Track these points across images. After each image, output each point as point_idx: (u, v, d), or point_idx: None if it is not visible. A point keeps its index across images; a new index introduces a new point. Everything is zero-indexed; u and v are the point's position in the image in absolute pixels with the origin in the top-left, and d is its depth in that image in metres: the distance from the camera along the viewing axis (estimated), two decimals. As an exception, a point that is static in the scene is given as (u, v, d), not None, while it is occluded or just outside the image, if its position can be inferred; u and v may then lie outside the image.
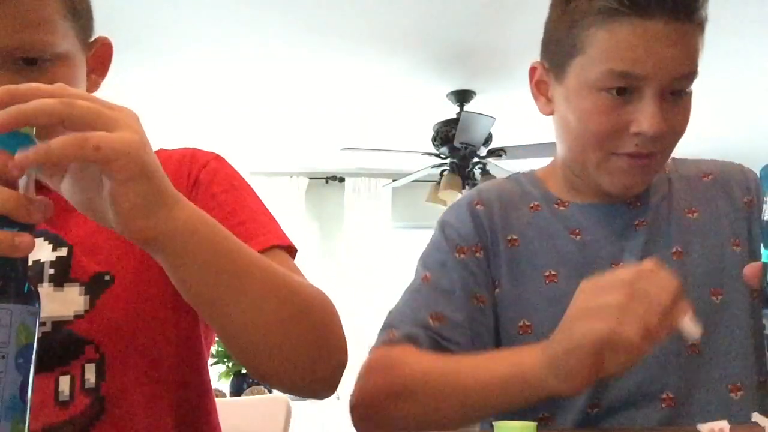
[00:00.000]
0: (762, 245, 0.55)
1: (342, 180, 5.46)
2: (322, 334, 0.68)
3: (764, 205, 0.54)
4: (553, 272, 0.91)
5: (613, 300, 0.63)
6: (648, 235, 0.92)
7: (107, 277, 0.75)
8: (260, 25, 3.10)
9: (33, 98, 0.48)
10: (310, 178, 5.41)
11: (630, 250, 0.91)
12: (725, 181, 0.98)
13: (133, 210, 0.53)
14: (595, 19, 0.82)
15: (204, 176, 0.81)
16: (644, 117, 0.81)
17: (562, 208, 0.96)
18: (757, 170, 0.65)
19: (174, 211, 0.56)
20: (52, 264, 0.75)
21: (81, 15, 0.77)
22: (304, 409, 4.79)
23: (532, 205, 0.97)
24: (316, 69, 3.58)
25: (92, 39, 0.81)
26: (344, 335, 0.70)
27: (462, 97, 3.89)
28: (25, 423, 0.44)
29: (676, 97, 0.84)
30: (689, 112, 0.87)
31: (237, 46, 3.30)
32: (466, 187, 3.98)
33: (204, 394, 0.83)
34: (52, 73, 0.71)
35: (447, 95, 3.91)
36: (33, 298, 0.45)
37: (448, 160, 4.09)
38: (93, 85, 0.82)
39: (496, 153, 4.01)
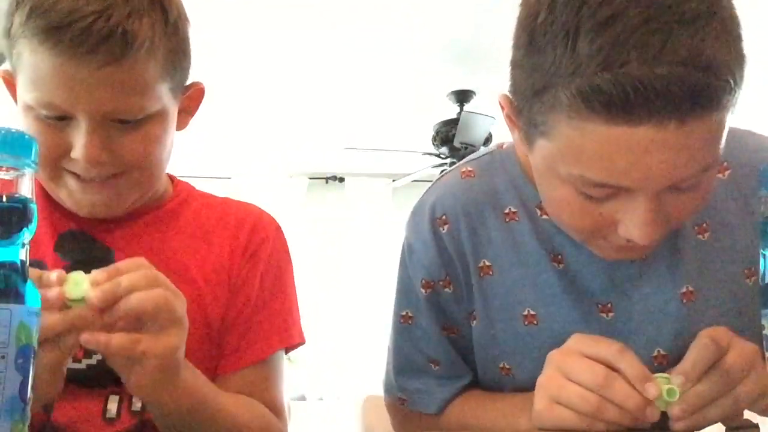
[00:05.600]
0: (761, 246, 0.54)
1: (342, 180, 5.46)
2: None
3: (763, 206, 0.54)
4: (531, 312, 0.78)
5: (586, 399, 0.64)
6: (647, 268, 0.76)
7: None
8: (260, 25, 3.10)
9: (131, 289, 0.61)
10: (310, 178, 5.41)
11: (622, 287, 0.77)
12: (744, 180, 0.77)
13: (147, 391, 0.66)
14: (560, 106, 0.59)
15: (263, 253, 0.89)
16: (634, 226, 0.62)
17: (545, 216, 0.79)
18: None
19: (177, 390, 0.68)
20: None
21: (179, 71, 0.82)
22: (305, 409, 4.79)
23: (507, 210, 0.81)
24: (316, 69, 3.58)
25: (188, 83, 0.86)
26: None
27: (462, 97, 3.89)
28: (25, 423, 0.44)
29: (684, 189, 0.63)
30: (708, 192, 0.66)
31: (236, 46, 3.30)
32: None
33: None
34: (144, 130, 0.77)
35: (447, 95, 3.91)
36: (33, 297, 0.45)
37: (448, 160, 4.09)
38: (181, 123, 0.87)
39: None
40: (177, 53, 0.80)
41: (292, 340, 0.89)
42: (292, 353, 0.92)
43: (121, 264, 0.64)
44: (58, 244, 0.81)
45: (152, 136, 0.78)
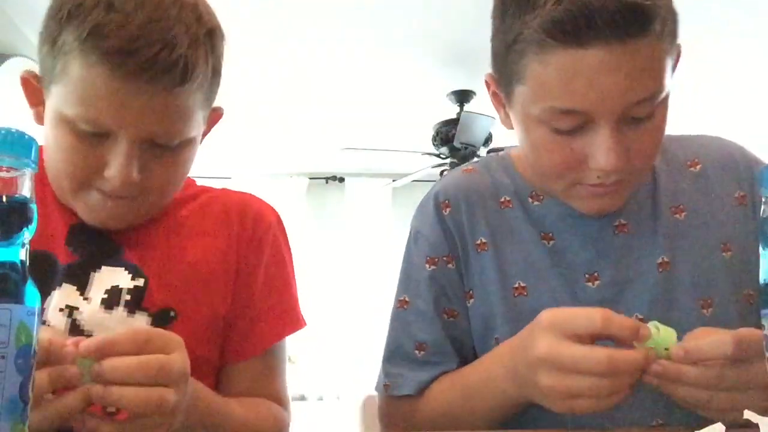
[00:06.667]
0: (761, 246, 0.55)
1: (342, 180, 5.47)
2: None
3: (763, 206, 0.54)
4: (522, 284, 0.86)
5: (601, 386, 0.64)
6: (628, 241, 0.86)
7: (172, 314, 0.83)
8: (259, 25, 3.10)
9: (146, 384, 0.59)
10: (310, 178, 5.41)
11: (607, 258, 0.85)
12: (714, 173, 0.90)
13: None
14: (528, 47, 0.72)
15: (266, 242, 0.91)
16: (600, 154, 0.73)
17: (536, 203, 0.90)
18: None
19: (185, 424, 0.66)
20: (129, 291, 0.81)
21: (213, 99, 0.82)
22: (305, 408, 4.79)
23: (502, 199, 0.91)
24: (316, 69, 3.58)
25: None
26: None
27: (462, 97, 3.90)
28: (24, 423, 0.44)
29: (640, 121, 0.74)
30: (661, 129, 0.77)
31: (236, 46, 3.30)
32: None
33: None
34: (177, 154, 0.78)
35: (447, 95, 3.91)
36: (33, 297, 0.45)
37: (448, 160, 4.09)
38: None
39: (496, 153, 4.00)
40: (216, 82, 0.80)
41: (299, 325, 0.91)
42: (291, 353, 0.94)
43: (120, 337, 0.60)
44: (69, 237, 0.82)
45: (180, 161, 0.80)
